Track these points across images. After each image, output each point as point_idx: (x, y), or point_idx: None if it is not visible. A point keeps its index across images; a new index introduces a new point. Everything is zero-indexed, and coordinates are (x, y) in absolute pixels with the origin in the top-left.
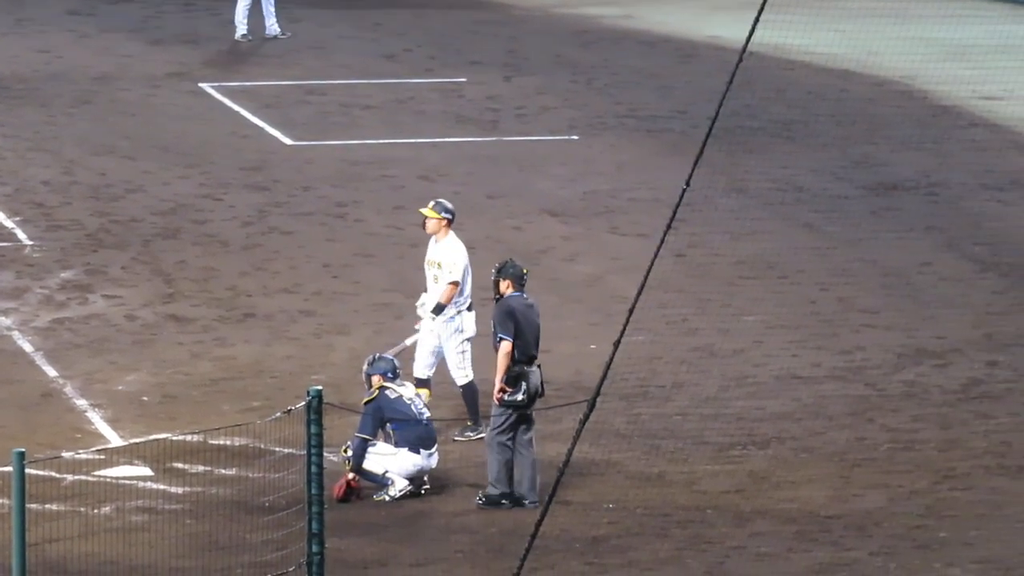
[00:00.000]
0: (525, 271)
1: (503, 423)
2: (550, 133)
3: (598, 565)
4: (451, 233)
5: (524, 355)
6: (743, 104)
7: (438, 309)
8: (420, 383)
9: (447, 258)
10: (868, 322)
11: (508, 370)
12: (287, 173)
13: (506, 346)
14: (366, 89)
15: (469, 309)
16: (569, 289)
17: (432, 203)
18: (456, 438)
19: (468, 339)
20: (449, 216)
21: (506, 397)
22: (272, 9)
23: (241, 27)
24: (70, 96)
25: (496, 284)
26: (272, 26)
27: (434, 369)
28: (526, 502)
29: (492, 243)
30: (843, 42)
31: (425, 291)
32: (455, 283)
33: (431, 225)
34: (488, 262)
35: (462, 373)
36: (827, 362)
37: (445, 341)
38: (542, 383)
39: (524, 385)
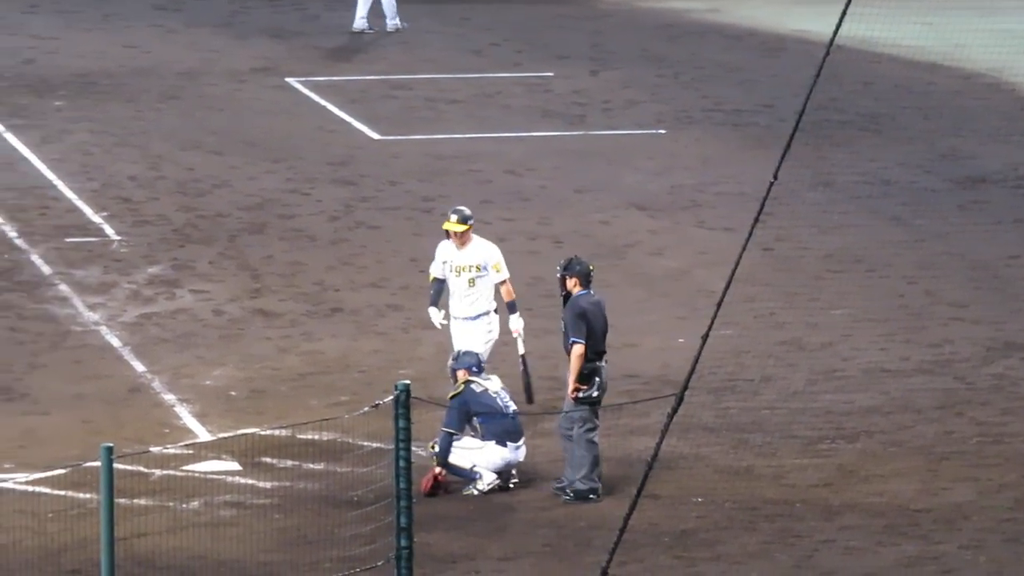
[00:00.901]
0: (591, 268)
1: (584, 418)
2: (637, 127)
3: (686, 559)
4: (474, 235)
5: (594, 352)
6: (830, 98)
7: (512, 307)
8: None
9: (488, 258)
10: (956, 315)
11: (580, 369)
12: (374, 168)
13: (579, 349)
14: (452, 84)
15: (496, 311)
16: (656, 283)
17: (454, 216)
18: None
19: (493, 341)
20: (473, 221)
21: (581, 395)
22: (394, 1)
23: (360, 22)
24: (157, 91)
25: (562, 281)
26: (393, 19)
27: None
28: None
29: (579, 237)
30: (930, 35)
31: (434, 306)
32: (507, 280)
33: (464, 237)
34: (576, 255)
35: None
36: (915, 356)
37: (473, 343)
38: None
39: (597, 380)
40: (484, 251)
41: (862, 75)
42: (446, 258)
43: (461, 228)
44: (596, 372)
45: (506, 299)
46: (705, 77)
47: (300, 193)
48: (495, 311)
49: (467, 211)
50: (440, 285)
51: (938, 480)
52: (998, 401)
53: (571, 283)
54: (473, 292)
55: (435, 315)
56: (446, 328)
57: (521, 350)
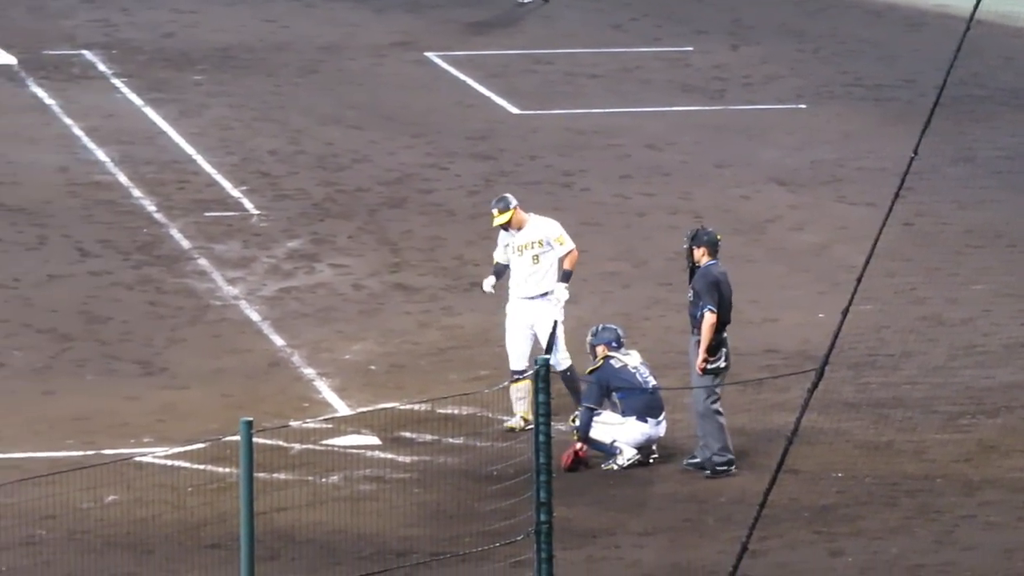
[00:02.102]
0: (718, 237)
1: (711, 390)
2: (777, 102)
3: (826, 534)
4: (531, 214)
5: (722, 323)
6: (971, 73)
7: (566, 276)
8: (520, 375)
9: (548, 233)
10: None
11: (711, 340)
12: (513, 142)
13: (712, 318)
14: (592, 58)
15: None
16: (796, 258)
17: (497, 205)
18: (563, 428)
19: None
20: (513, 205)
21: (709, 366)
22: None
23: None
24: (296, 66)
25: (689, 252)
26: None
27: (529, 359)
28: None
29: (719, 212)
30: None
31: (493, 275)
32: (573, 249)
33: (515, 220)
34: (717, 230)
35: (563, 356)
36: None
37: (544, 324)
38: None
39: (724, 351)
40: (543, 227)
41: (1003, 50)
42: (507, 241)
43: (504, 218)
44: (723, 343)
45: (566, 266)
46: (845, 52)
47: (439, 168)
48: (557, 302)
49: (506, 198)
50: (502, 267)
51: None
52: None
53: (699, 253)
54: (538, 270)
55: (488, 282)
56: (497, 298)
57: (559, 317)
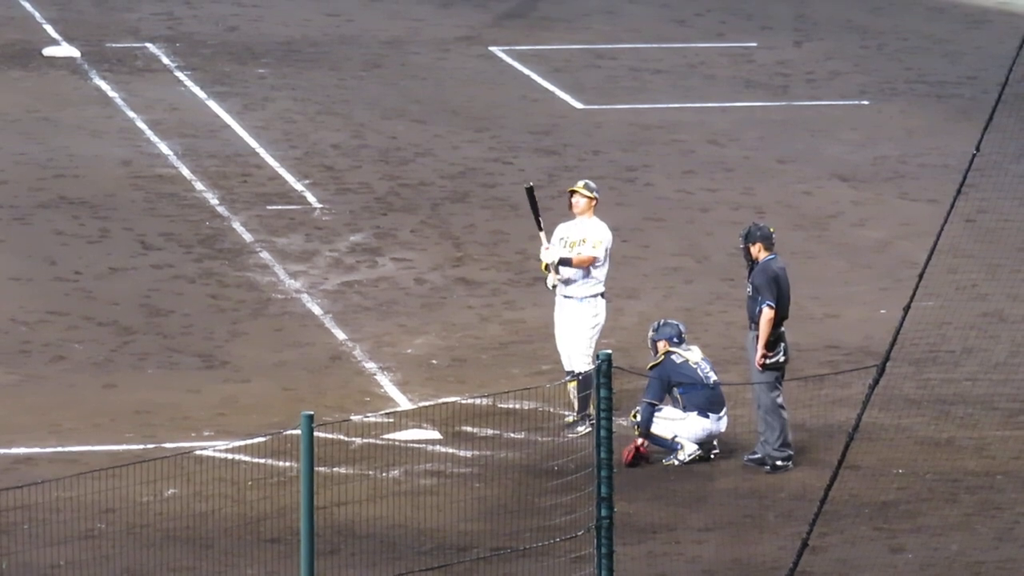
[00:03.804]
0: (772, 230)
1: (774, 385)
2: (840, 98)
3: (887, 530)
4: (595, 215)
5: (781, 318)
6: None
7: (565, 261)
8: (574, 375)
9: (594, 235)
10: None
11: (769, 335)
12: (576, 137)
13: (770, 313)
14: (656, 53)
15: (603, 296)
16: (858, 254)
17: (582, 183)
18: (569, 435)
19: (600, 326)
20: (597, 196)
21: (768, 361)
22: None
23: None
24: (360, 60)
25: (747, 251)
26: None
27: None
28: (778, 462)
29: (782, 208)
30: None
31: (555, 278)
32: (595, 257)
33: (581, 204)
34: (780, 226)
35: (588, 359)
36: None
37: (577, 324)
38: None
39: (783, 346)
40: (597, 229)
41: None
42: (563, 235)
43: (582, 192)
44: (781, 338)
45: (576, 262)
46: (909, 48)
47: (503, 162)
48: (603, 295)
49: (594, 184)
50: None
51: None
52: None
53: (755, 249)
54: (577, 270)
55: (552, 279)
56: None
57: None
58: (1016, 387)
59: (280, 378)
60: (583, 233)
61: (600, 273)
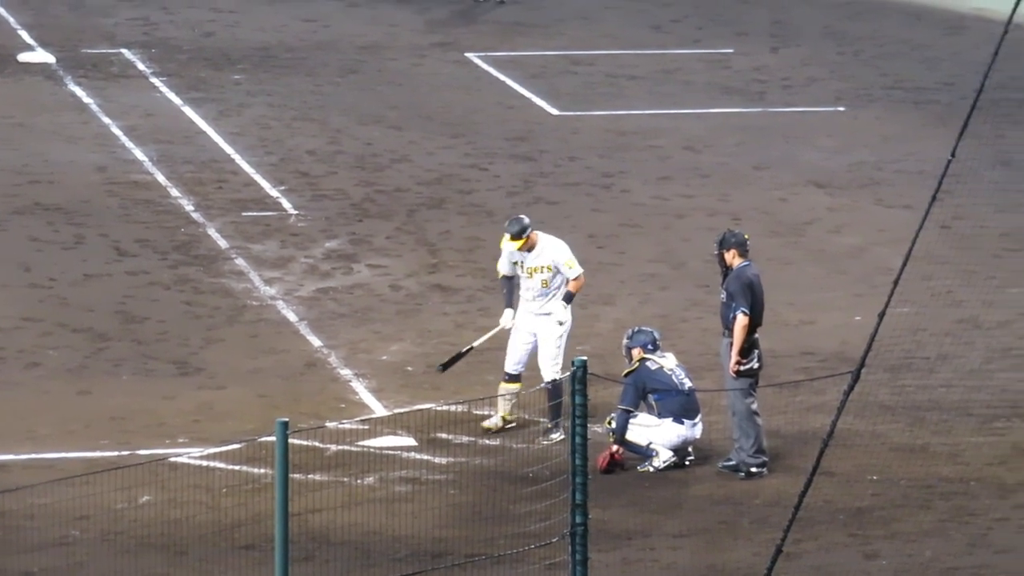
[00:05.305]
0: (747, 236)
1: (748, 391)
2: (816, 104)
3: (861, 537)
4: (541, 235)
5: (755, 324)
6: (1009, 76)
7: (569, 297)
8: (511, 378)
9: (559, 257)
10: None
11: (744, 342)
12: (553, 143)
13: (744, 320)
14: (632, 59)
15: (567, 302)
16: (834, 260)
17: (512, 229)
18: (543, 442)
19: (568, 331)
20: (528, 225)
21: (742, 367)
22: None
23: None
24: (336, 66)
25: (720, 257)
26: None
27: (525, 365)
28: (753, 469)
29: (758, 214)
30: None
31: (510, 307)
32: (581, 275)
33: (528, 243)
34: (755, 232)
35: (556, 367)
36: None
37: (545, 333)
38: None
39: (758, 352)
40: (554, 250)
41: None
42: (518, 259)
43: (518, 244)
44: (755, 344)
45: (570, 288)
46: (885, 54)
47: (479, 168)
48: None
49: (521, 221)
50: (510, 283)
51: None
52: None
53: (730, 256)
54: (547, 292)
55: (508, 317)
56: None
57: (482, 339)
58: (991, 393)
59: (255, 385)
60: (547, 259)
61: (563, 289)
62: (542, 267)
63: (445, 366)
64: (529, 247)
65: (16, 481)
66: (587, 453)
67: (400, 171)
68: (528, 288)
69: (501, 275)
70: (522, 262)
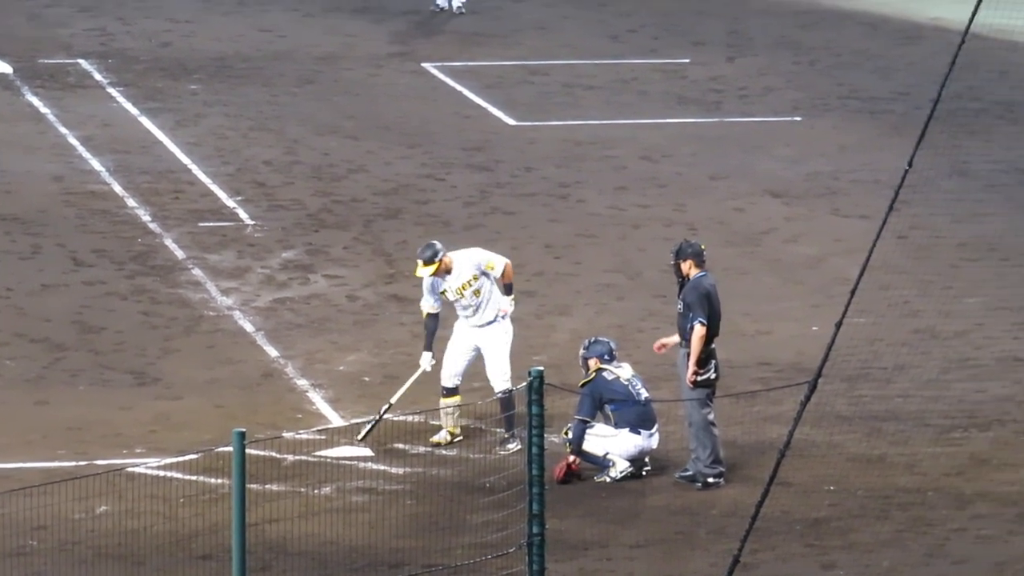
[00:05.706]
0: (703, 247)
1: (705, 402)
2: (773, 114)
3: (818, 547)
4: (457, 252)
5: (712, 335)
6: (966, 86)
7: (508, 289)
8: (449, 392)
9: (477, 263)
10: None
11: (701, 352)
12: (509, 153)
13: (702, 330)
14: (589, 69)
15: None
16: (791, 270)
17: (424, 255)
18: (500, 452)
19: (510, 340)
20: (440, 250)
21: (699, 378)
22: None
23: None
24: (293, 76)
25: (677, 268)
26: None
27: (462, 378)
28: (709, 479)
29: (714, 224)
30: None
31: (429, 350)
32: (506, 265)
33: (443, 267)
34: (712, 242)
35: (506, 377)
36: None
37: (492, 344)
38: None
39: (714, 363)
40: (469, 261)
41: (998, 63)
42: (443, 287)
43: (431, 270)
44: (712, 355)
45: (505, 281)
46: (842, 64)
47: (435, 178)
48: (504, 316)
49: (433, 246)
50: (434, 322)
51: None
52: None
53: (686, 266)
54: (483, 300)
55: (427, 360)
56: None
57: (418, 374)
58: (948, 404)
59: (212, 395)
60: (468, 272)
61: (496, 292)
62: (467, 281)
63: (365, 436)
64: (446, 270)
65: None
66: (544, 463)
67: (357, 181)
68: (464, 307)
69: (425, 314)
70: (447, 289)
